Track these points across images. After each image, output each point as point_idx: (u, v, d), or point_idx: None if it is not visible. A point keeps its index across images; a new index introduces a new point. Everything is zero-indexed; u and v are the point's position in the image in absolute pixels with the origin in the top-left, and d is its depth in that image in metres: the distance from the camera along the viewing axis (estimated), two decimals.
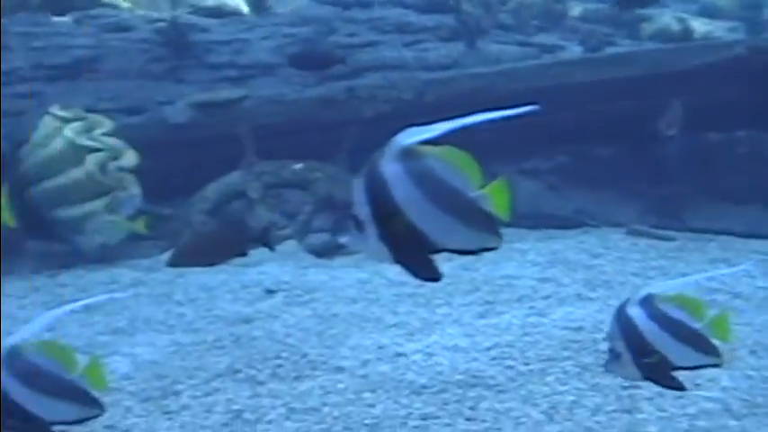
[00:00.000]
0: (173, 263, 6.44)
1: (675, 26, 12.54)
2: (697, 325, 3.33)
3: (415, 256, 2.94)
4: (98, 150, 8.50)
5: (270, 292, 6.91)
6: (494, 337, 5.81)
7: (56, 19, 11.06)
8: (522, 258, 7.84)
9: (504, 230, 8.62)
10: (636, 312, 3.35)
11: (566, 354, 5.46)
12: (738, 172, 9.64)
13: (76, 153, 8.47)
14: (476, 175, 2.87)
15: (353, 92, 9.52)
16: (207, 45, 10.74)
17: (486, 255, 8.06)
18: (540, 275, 7.29)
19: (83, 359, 3.22)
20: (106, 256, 8.39)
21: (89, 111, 9.21)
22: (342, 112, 9.43)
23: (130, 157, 8.64)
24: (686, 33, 12.33)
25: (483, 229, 2.91)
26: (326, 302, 6.62)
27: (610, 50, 11.31)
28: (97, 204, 8.38)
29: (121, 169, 8.55)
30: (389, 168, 2.83)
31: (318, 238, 8.77)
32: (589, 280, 7.13)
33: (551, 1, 12.72)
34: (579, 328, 5.87)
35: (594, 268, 7.53)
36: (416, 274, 3.01)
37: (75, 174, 8.45)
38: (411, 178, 2.83)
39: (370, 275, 7.42)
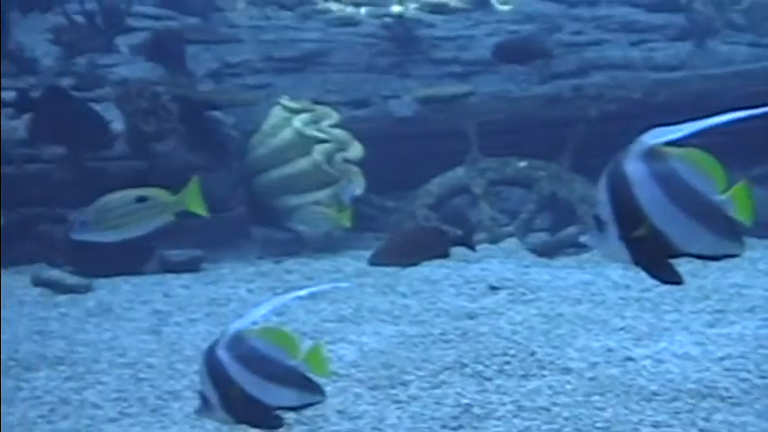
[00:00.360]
0: (372, 261, 6.51)
1: None
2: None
3: (655, 258, 2.87)
4: (325, 141, 8.68)
5: (493, 288, 6.90)
6: (726, 347, 5.62)
7: (284, 13, 11.36)
8: (753, 267, 7.57)
9: None
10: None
11: None
12: None
13: (304, 143, 8.67)
14: (720, 179, 2.78)
15: (581, 90, 9.40)
16: (432, 40, 10.80)
17: (714, 262, 7.83)
18: None
19: (305, 345, 3.23)
20: (329, 246, 8.55)
21: (316, 103, 9.43)
22: (568, 111, 9.32)
23: (356, 149, 8.79)
24: None
25: (726, 234, 2.81)
26: (551, 302, 6.56)
27: None
28: (321, 194, 8.55)
29: (347, 161, 8.71)
30: (633, 168, 2.77)
31: (540, 237, 8.72)
32: None
33: None
34: None
35: None
36: (656, 277, 2.94)
37: (302, 164, 8.66)
38: (655, 179, 2.77)
39: (594, 277, 7.32)
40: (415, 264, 6.82)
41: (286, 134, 8.82)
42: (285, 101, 9.09)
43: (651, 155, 2.76)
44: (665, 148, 2.76)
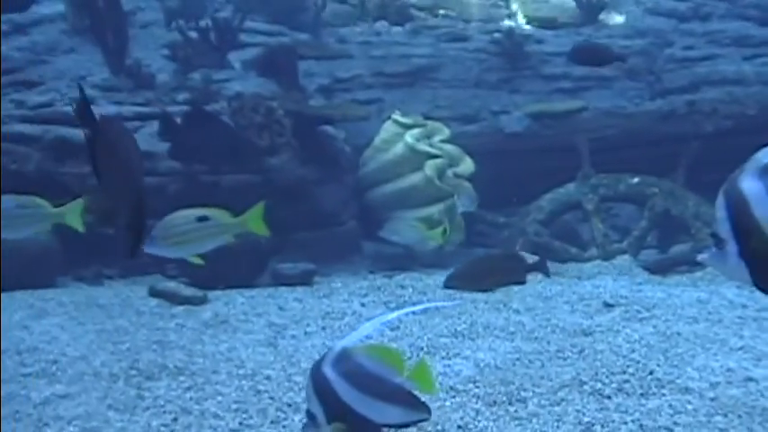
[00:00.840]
0: (447, 284, 6.52)
1: None
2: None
3: None
4: (436, 157, 8.72)
5: (608, 305, 6.86)
6: None
7: (394, 29, 11.45)
8: None
9: None
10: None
11: None
12: None
13: (416, 158, 8.73)
14: None
15: (695, 106, 9.30)
16: (542, 56, 10.80)
17: None
18: None
19: (412, 362, 3.22)
20: (440, 261, 8.59)
21: (426, 118, 9.49)
22: (681, 127, 9.24)
23: (467, 165, 8.83)
24: None
25: None
26: (667, 320, 6.50)
27: None
28: (434, 209, 8.60)
29: (458, 176, 8.75)
30: (750, 185, 2.79)
31: (652, 255, 8.65)
32: None
33: None
34: None
35: None
36: None
37: (414, 178, 8.72)
38: None
39: (709, 295, 7.24)
40: (490, 290, 6.83)
41: (398, 149, 8.90)
42: (397, 116, 9.16)
43: (766, 172, 2.77)
44: None
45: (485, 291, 6.97)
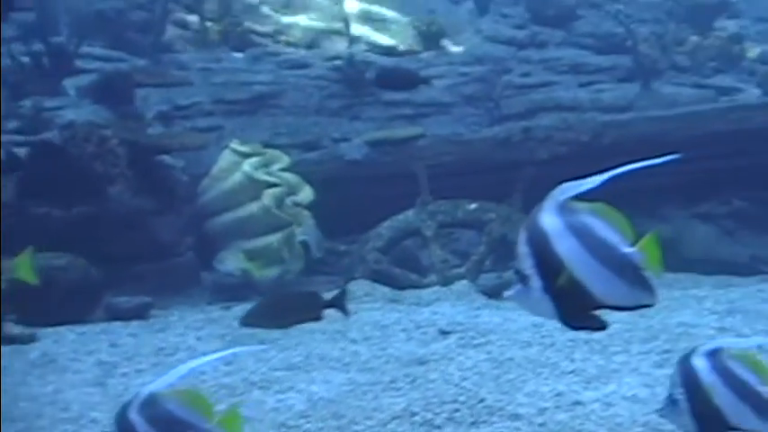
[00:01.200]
0: (243, 323, 6.49)
1: None
2: (763, 388, 3.19)
3: (578, 311, 2.95)
4: (275, 185, 8.66)
5: (444, 332, 6.88)
6: None
7: (235, 55, 11.37)
8: (699, 306, 7.62)
9: (678, 276, 8.46)
10: (700, 364, 3.29)
11: None
12: None
13: (254, 187, 8.65)
14: (628, 232, 2.91)
15: (530, 132, 9.45)
16: None
17: (663, 301, 7.86)
18: (718, 324, 7.06)
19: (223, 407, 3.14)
20: (279, 290, 8.51)
21: (267, 146, 9.42)
22: (517, 153, 9.36)
23: (306, 193, 8.79)
24: None
25: (639, 285, 2.92)
26: (501, 346, 6.54)
27: None
28: (272, 239, 8.53)
29: (297, 204, 8.70)
30: (550, 221, 2.89)
31: (491, 279, 8.73)
32: None
33: (729, 42, 12.43)
34: None
35: None
36: (581, 328, 3.06)
37: (252, 207, 8.63)
38: (571, 232, 2.89)
39: (544, 319, 7.32)
40: (285, 327, 6.80)
41: (236, 178, 8.81)
42: (235, 144, 9.07)
43: (564, 209, 2.89)
44: (575, 202, 2.90)
45: (279, 328, 6.90)
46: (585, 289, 2.88)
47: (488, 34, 12.01)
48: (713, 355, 3.30)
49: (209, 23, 11.70)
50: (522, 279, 2.94)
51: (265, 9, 12.17)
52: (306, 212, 8.67)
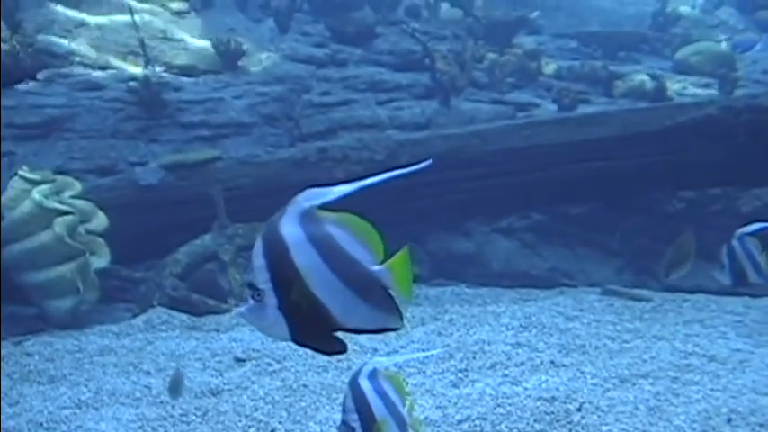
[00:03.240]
0: None
1: (649, 84, 12.57)
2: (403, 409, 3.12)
3: (315, 333, 2.69)
4: (67, 213, 8.38)
5: (239, 360, 6.78)
6: (466, 408, 5.71)
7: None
8: (497, 322, 7.75)
9: (479, 290, 8.57)
10: (366, 385, 3.12)
11: (538, 427, 5.37)
12: (712, 229, 9.58)
13: (45, 216, 8.35)
14: (377, 247, 2.68)
15: (326, 153, 9.43)
16: (180, 104, 10.68)
17: (461, 318, 7.99)
18: (514, 340, 7.20)
19: None
20: (75, 321, 8.25)
21: (60, 171, 9.14)
22: (314, 173, 9.32)
23: (100, 220, 8.54)
24: (660, 91, 12.36)
25: (383, 307, 2.68)
26: (296, 372, 6.50)
27: (584, 108, 11.33)
28: (65, 269, 8.26)
29: (90, 232, 8.45)
30: (290, 231, 2.62)
31: None
32: (564, 345, 7.05)
33: (526, 59, 12.75)
34: (552, 399, 5.78)
35: (569, 332, 7.46)
36: (319, 350, 2.75)
37: (43, 237, 8.32)
38: (312, 244, 2.63)
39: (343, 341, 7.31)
40: None
41: (25, 207, 8.46)
42: (24, 171, 8.73)
43: (306, 217, 2.63)
44: (321, 211, 2.64)
45: None
46: (324, 309, 2.62)
47: (288, 53, 11.97)
48: (373, 376, 3.11)
49: None
50: (256, 294, 2.65)
51: (58, 29, 11.80)
52: (100, 240, 8.42)
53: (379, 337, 7.45)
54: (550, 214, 10.49)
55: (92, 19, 12.02)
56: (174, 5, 12.46)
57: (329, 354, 2.76)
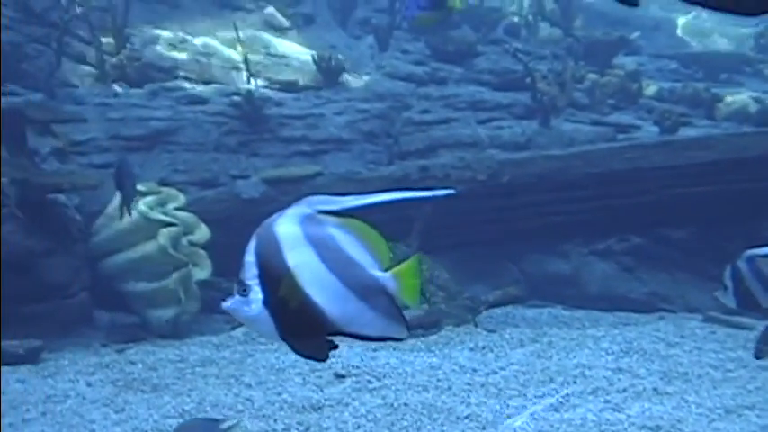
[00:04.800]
0: None
1: (753, 107, 12.36)
2: None
3: (307, 334, 2.65)
4: (171, 225, 8.51)
5: (339, 376, 6.80)
6: None
7: (132, 90, 11.18)
8: (597, 346, 7.67)
9: (576, 313, 8.50)
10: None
11: None
12: None
13: (149, 227, 8.49)
14: (383, 254, 2.64)
15: (427, 171, 9.44)
16: (281, 119, 10.78)
17: (560, 341, 7.93)
18: (614, 365, 7.12)
19: None
20: (176, 331, 8.36)
21: (164, 183, 9.27)
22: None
23: (202, 232, 8.66)
24: (764, 114, 12.14)
25: (387, 315, 2.64)
26: (397, 390, 6.49)
27: (685, 131, 11.17)
28: (167, 279, 8.38)
29: (193, 244, 8.56)
30: (286, 230, 2.60)
31: None
32: (666, 372, 6.95)
33: (627, 80, 12.63)
34: (657, 428, 5.70)
35: (671, 359, 7.35)
36: (300, 353, 2.72)
37: (148, 248, 8.46)
38: (309, 243, 2.59)
39: (441, 360, 7.30)
40: None
41: (131, 217, 8.61)
42: None
43: (307, 219, 2.59)
44: (324, 215, 2.60)
45: None
46: (317, 309, 2.57)
47: (388, 70, 12.01)
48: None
49: (106, 57, 11.50)
50: (241, 289, 2.64)
51: (163, 43, 12.02)
52: (202, 252, 8.53)
53: (477, 356, 7.42)
54: (649, 237, 10.35)
55: (197, 34, 12.21)
56: (277, 22, 12.60)
57: (308, 357, 2.70)
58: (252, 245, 2.63)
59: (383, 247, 2.63)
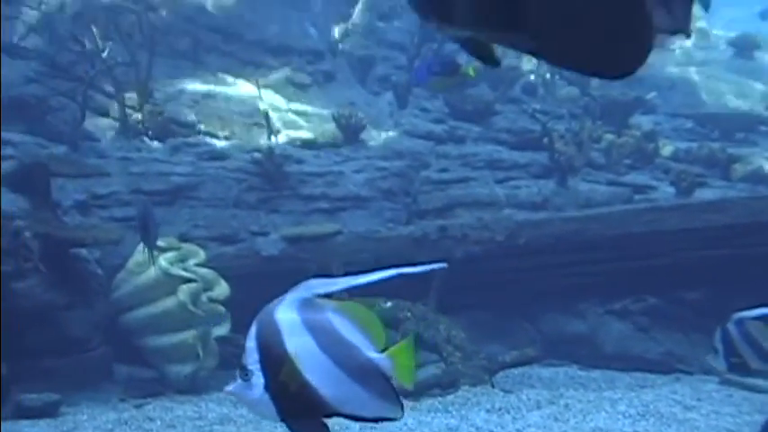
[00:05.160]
0: None
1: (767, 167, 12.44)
2: None
3: (306, 416, 2.75)
4: (191, 281, 8.59)
5: None
6: None
7: (154, 145, 11.32)
8: (613, 409, 7.67)
9: (592, 373, 8.52)
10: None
11: None
12: None
13: (170, 283, 8.58)
14: (378, 336, 2.75)
15: (446, 231, 9.52)
16: (301, 176, 10.88)
17: (577, 403, 7.95)
18: (631, 429, 7.12)
19: None
20: (194, 387, 8.41)
21: (184, 238, 9.37)
22: (433, 252, 9.41)
23: (222, 289, 8.73)
24: None
25: (382, 395, 2.73)
26: None
27: (702, 192, 11.24)
28: (187, 335, 8.45)
29: (212, 300, 8.64)
30: (285, 316, 2.72)
31: None
32: None
33: (643, 140, 12.71)
34: None
35: (688, 423, 7.34)
36: None
37: (168, 303, 8.55)
38: (307, 329, 2.71)
39: (459, 421, 7.32)
40: None
41: (151, 273, 8.72)
42: None
43: (305, 304, 2.72)
44: (321, 299, 2.74)
45: None
46: (316, 392, 2.68)
47: (408, 128, 12.14)
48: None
49: (129, 112, 11.67)
50: (244, 374, 2.76)
51: (186, 99, 12.18)
52: (221, 308, 8.60)
53: (494, 417, 7.44)
54: (666, 298, 10.37)
55: (219, 90, 12.37)
56: (298, 79, 12.76)
57: None
58: (253, 331, 2.76)
59: (378, 328, 2.76)
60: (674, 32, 1.73)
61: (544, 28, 2.32)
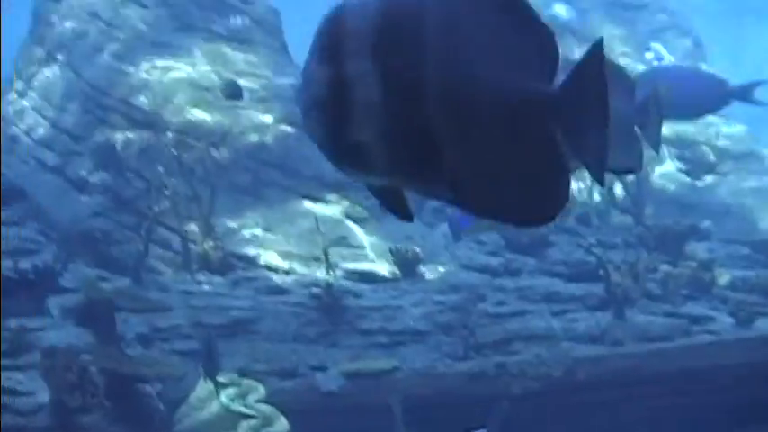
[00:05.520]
0: None
1: None
2: None
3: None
4: (251, 417, 8.69)
5: None
6: None
7: (215, 278, 11.54)
8: None
9: None
10: None
11: None
12: None
13: (230, 419, 8.68)
14: None
15: (504, 368, 9.57)
16: (359, 310, 11.00)
17: None
18: None
19: None
20: None
21: (243, 372, 9.48)
22: (491, 388, 9.46)
23: (281, 425, 8.81)
24: None
25: None
26: None
27: (762, 321, 11.18)
28: None
29: None
30: None
31: None
32: None
33: (700, 270, 12.69)
34: None
35: None
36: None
37: None
38: None
39: None
40: None
41: (213, 408, 8.83)
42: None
43: None
44: None
45: None
46: None
47: (464, 261, 12.26)
48: None
49: (190, 245, 11.94)
50: None
51: (246, 233, 12.43)
52: None
53: None
54: None
55: (279, 225, 12.61)
56: (356, 212, 12.96)
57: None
58: None
59: None
60: (626, 171, 1.87)
61: (461, 179, 2.48)
